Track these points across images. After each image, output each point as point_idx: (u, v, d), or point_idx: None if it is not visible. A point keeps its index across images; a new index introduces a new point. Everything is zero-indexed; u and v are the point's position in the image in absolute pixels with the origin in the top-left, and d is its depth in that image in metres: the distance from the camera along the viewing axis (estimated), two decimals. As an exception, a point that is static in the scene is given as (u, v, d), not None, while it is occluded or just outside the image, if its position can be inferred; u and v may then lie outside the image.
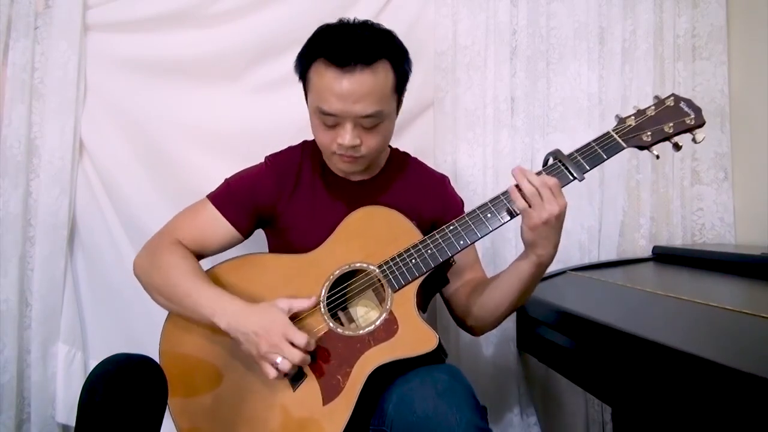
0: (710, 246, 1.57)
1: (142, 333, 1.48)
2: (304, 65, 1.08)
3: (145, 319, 1.47)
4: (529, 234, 1.00)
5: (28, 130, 1.46)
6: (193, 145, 1.54)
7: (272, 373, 0.96)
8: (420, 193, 1.21)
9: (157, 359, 1.04)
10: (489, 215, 1.03)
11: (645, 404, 0.89)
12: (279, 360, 0.95)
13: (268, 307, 1.00)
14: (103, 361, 0.96)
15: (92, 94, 1.51)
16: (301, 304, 1.02)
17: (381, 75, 1.03)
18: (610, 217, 1.65)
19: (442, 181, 1.27)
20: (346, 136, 1.04)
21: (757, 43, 1.59)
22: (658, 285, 1.32)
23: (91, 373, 0.95)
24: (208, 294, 1.03)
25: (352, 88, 1.01)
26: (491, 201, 1.04)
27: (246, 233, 1.18)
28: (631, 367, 0.93)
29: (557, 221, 0.99)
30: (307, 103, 1.12)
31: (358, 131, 1.05)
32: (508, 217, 1.04)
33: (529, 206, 0.98)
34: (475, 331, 1.17)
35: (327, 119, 1.05)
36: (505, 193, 1.03)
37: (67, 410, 1.50)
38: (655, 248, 1.58)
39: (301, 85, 1.12)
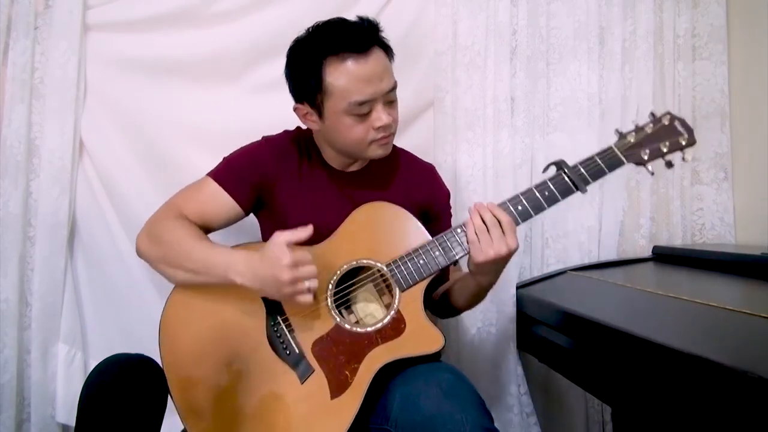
0: (710, 246, 1.57)
1: (142, 333, 1.47)
2: (315, 74, 1.07)
3: (145, 319, 1.46)
4: (472, 265, 1.05)
5: (28, 130, 1.46)
6: (193, 145, 1.53)
7: (309, 298, 0.98)
8: (410, 180, 1.24)
9: (156, 359, 1.04)
10: None
11: (645, 404, 0.89)
12: (307, 284, 0.97)
13: (269, 246, 0.99)
14: (103, 360, 0.96)
15: (92, 94, 1.51)
16: (298, 235, 0.99)
17: (382, 50, 1.10)
18: (610, 217, 1.65)
19: (431, 169, 1.30)
20: (382, 116, 1.08)
21: (757, 43, 1.59)
22: (658, 285, 1.31)
23: (91, 372, 0.95)
24: (218, 253, 1.04)
25: (376, 67, 1.06)
26: (500, 204, 1.05)
27: (247, 208, 1.18)
28: (631, 367, 0.93)
29: (504, 261, 1.03)
30: (321, 116, 1.11)
31: (386, 109, 1.09)
32: None
33: (478, 241, 1.01)
34: None
35: (362, 109, 1.07)
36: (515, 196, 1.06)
37: (67, 410, 1.50)
38: (655, 248, 1.58)
39: None
